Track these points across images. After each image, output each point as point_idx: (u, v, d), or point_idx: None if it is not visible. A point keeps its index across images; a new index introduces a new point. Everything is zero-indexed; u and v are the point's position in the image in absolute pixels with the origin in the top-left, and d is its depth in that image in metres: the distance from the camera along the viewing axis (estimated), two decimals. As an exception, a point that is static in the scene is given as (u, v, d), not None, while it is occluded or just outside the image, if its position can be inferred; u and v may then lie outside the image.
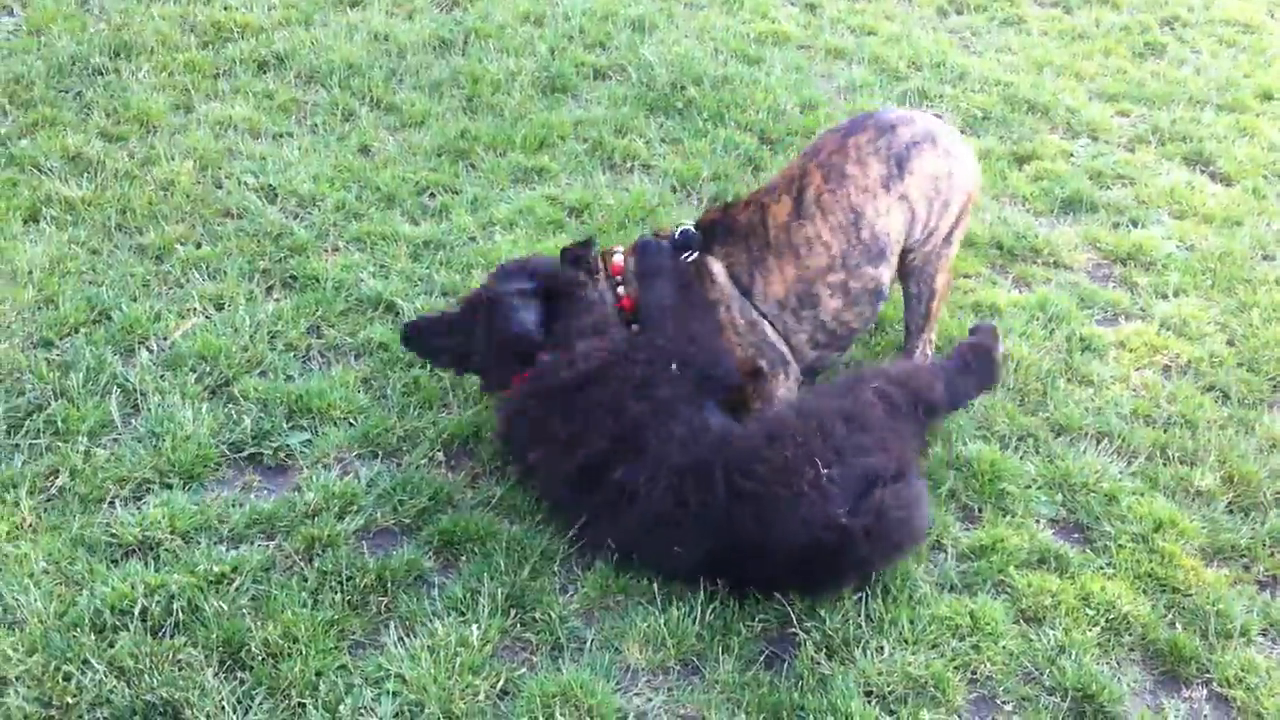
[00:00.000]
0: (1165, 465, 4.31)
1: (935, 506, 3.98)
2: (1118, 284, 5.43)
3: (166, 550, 3.61)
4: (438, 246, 5.21)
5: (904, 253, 4.32)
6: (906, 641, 3.48)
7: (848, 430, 3.55)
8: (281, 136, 5.98)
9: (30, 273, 4.75)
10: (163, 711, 3.12)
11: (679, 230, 4.24)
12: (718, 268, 4.19)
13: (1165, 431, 4.47)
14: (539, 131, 6.15)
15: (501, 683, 3.31)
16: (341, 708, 3.16)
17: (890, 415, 3.66)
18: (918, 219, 4.24)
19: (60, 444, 3.98)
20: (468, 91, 6.51)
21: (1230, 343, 5.03)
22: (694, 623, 3.50)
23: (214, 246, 5.07)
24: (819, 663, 3.41)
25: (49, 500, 3.80)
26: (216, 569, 3.51)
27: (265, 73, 6.56)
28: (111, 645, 3.26)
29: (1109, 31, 8.19)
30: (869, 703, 3.30)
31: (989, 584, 3.75)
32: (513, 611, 3.52)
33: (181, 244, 5.07)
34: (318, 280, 4.89)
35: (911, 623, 3.52)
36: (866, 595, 3.56)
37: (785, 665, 3.44)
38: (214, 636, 3.31)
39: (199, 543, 3.65)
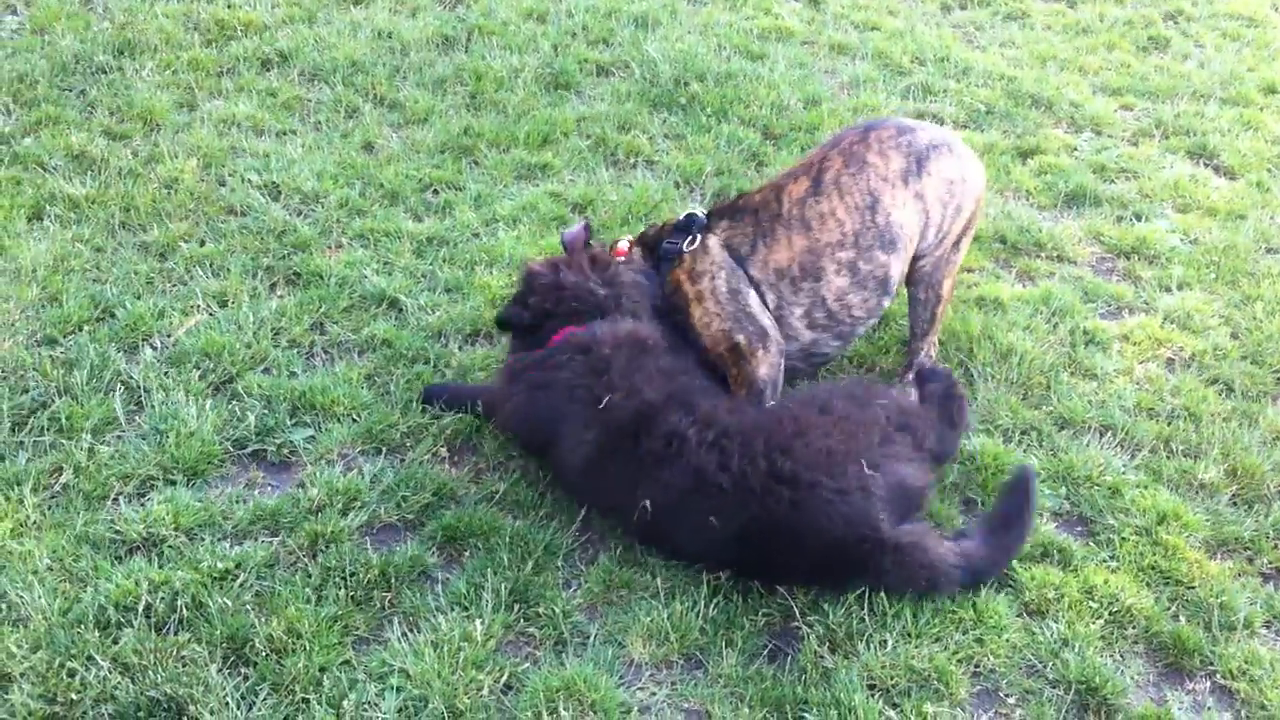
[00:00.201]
0: (1169, 458, 4.30)
1: (938, 500, 3.98)
2: (1121, 277, 5.43)
3: (170, 547, 3.61)
4: (441, 243, 5.21)
5: (915, 258, 4.34)
6: (909, 635, 3.48)
7: (886, 443, 3.65)
8: (285, 134, 5.99)
9: (34, 270, 4.76)
10: (167, 708, 3.13)
11: (684, 215, 4.32)
12: (713, 241, 4.23)
13: (1169, 424, 4.46)
14: (542, 128, 6.15)
15: (505, 678, 3.31)
16: (345, 703, 3.16)
17: (917, 444, 3.76)
18: (931, 222, 4.26)
19: (64, 441, 3.99)
20: (471, 88, 6.52)
21: (1234, 336, 5.02)
22: (697, 617, 3.50)
23: (217, 244, 5.08)
24: (822, 656, 3.42)
25: (53, 497, 3.81)
26: (220, 565, 3.52)
27: (269, 70, 6.57)
28: (116, 642, 3.27)
29: (1112, 25, 8.18)
30: (872, 696, 3.30)
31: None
32: (516, 606, 3.52)
33: (185, 241, 5.08)
34: (321, 277, 4.90)
35: (914, 616, 3.52)
36: (869, 589, 3.54)
37: (788, 659, 3.45)
38: (218, 633, 3.32)
39: (203, 539, 3.66)
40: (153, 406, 4.16)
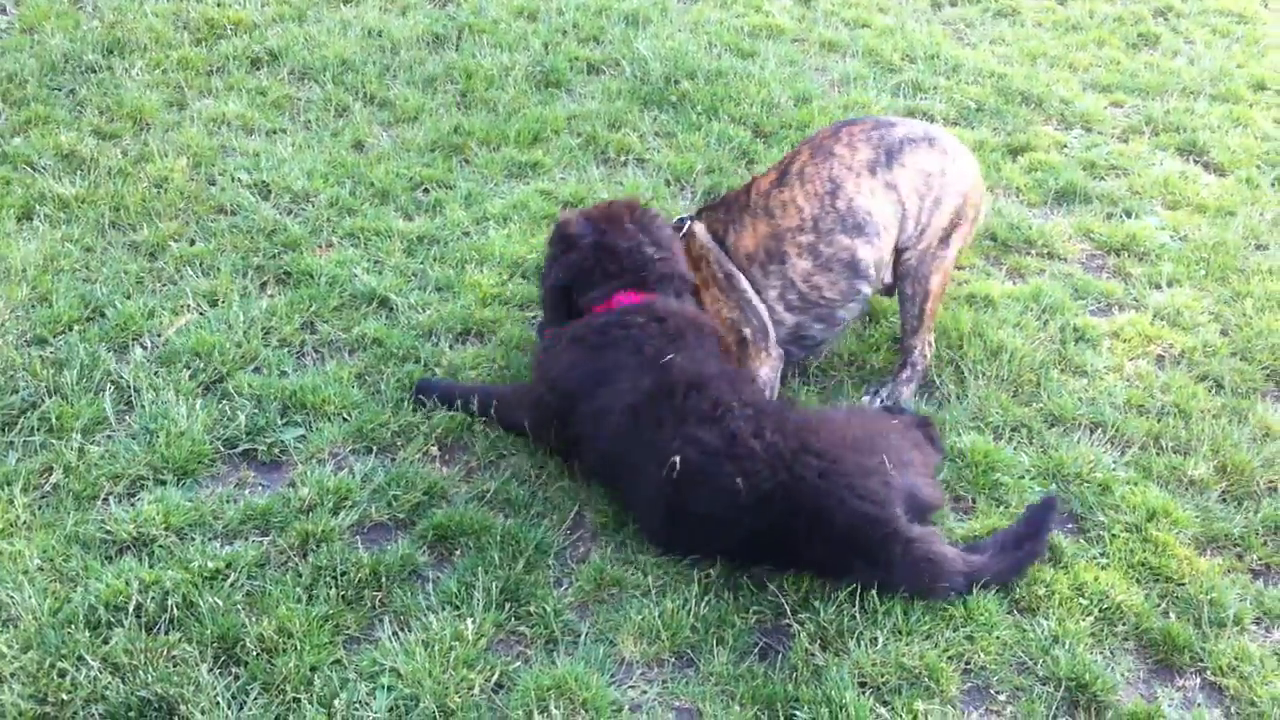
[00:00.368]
0: (1159, 455, 4.31)
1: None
2: (1111, 274, 5.44)
3: (161, 546, 3.61)
4: (431, 242, 5.21)
5: (899, 252, 4.42)
6: (900, 632, 3.48)
7: (903, 453, 3.74)
8: (275, 133, 5.98)
9: (24, 270, 4.75)
10: (157, 708, 3.12)
11: (675, 220, 4.51)
12: (699, 228, 4.46)
13: (1159, 421, 4.47)
14: (533, 126, 6.15)
15: (496, 676, 3.31)
16: (336, 702, 3.16)
17: (927, 465, 3.89)
18: (909, 214, 4.36)
19: (54, 441, 3.99)
20: (461, 87, 6.51)
21: (1224, 332, 5.03)
22: (688, 615, 3.51)
23: (208, 243, 5.07)
24: (813, 654, 3.42)
25: (43, 497, 3.80)
26: (211, 565, 3.52)
27: (258, 69, 6.56)
28: (106, 642, 3.26)
29: (1102, 22, 8.19)
30: (863, 694, 3.31)
31: (983, 575, 3.76)
32: (507, 605, 3.52)
33: (175, 241, 5.08)
34: (311, 276, 4.89)
35: (905, 614, 3.52)
36: (860, 587, 3.55)
37: (780, 657, 3.45)
38: (209, 632, 3.32)
39: (193, 539, 3.65)
40: (143, 406, 4.15)
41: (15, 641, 3.26)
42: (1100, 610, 3.66)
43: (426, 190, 5.63)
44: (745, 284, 4.35)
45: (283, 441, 4.10)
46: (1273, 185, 6.21)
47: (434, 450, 4.12)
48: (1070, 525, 4.03)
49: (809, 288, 4.37)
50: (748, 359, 4.32)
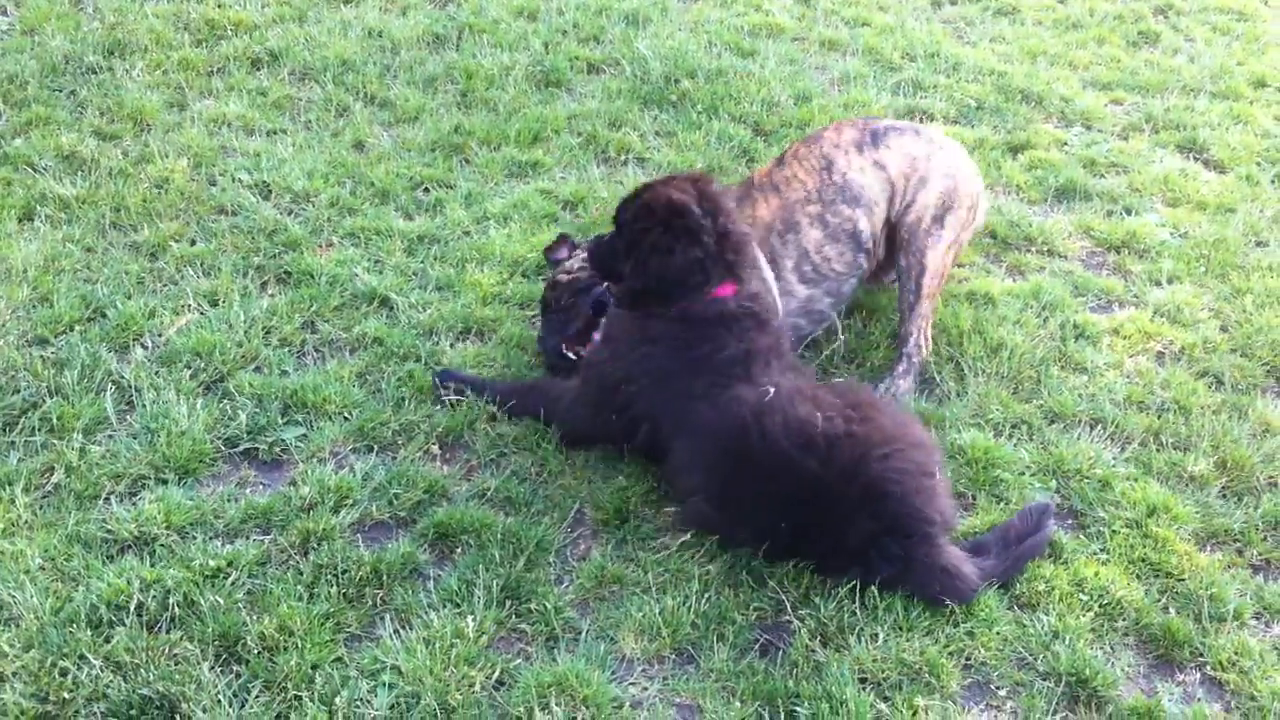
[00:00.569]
0: (1159, 451, 4.32)
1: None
2: (1111, 271, 5.44)
3: (162, 545, 3.61)
4: (432, 241, 5.22)
5: (892, 228, 4.65)
6: (901, 628, 3.49)
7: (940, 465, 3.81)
8: (275, 133, 5.98)
9: (25, 271, 4.76)
10: (159, 706, 3.13)
11: None
12: None
13: (1159, 417, 4.47)
14: (533, 126, 6.16)
15: (497, 674, 3.32)
16: (338, 700, 3.17)
17: (946, 483, 3.90)
18: (896, 190, 4.67)
19: (55, 441, 3.99)
20: (462, 86, 6.52)
21: (1223, 329, 5.03)
22: (689, 612, 3.51)
23: (208, 243, 5.08)
24: (814, 650, 3.42)
25: (45, 497, 3.81)
26: (212, 564, 3.52)
27: (259, 70, 6.57)
28: (108, 640, 3.27)
29: (1102, 20, 8.19)
30: (864, 689, 3.31)
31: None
32: (508, 603, 3.53)
33: (176, 241, 5.08)
34: (312, 276, 4.90)
35: (906, 609, 3.53)
36: (860, 583, 3.55)
37: (780, 653, 3.45)
38: (210, 631, 3.32)
39: (194, 538, 3.66)
40: (144, 406, 4.15)
41: (17, 640, 3.26)
42: (1100, 606, 3.66)
43: (427, 190, 5.63)
44: (760, 259, 4.43)
45: (283, 440, 4.10)
46: (1273, 182, 6.21)
47: (434, 449, 4.13)
48: (1070, 521, 4.04)
49: (821, 259, 4.59)
50: None
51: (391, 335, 4.58)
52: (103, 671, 3.17)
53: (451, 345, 4.60)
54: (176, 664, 3.22)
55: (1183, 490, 4.16)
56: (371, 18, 7.16)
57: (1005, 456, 4.19)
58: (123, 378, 4.28)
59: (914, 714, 3.27)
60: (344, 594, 3.51)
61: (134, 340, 4.49)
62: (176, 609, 3.37)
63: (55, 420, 4.06)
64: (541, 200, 5.54)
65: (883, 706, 3.28)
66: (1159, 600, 3.72)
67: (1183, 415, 4.49)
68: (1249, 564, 3.93)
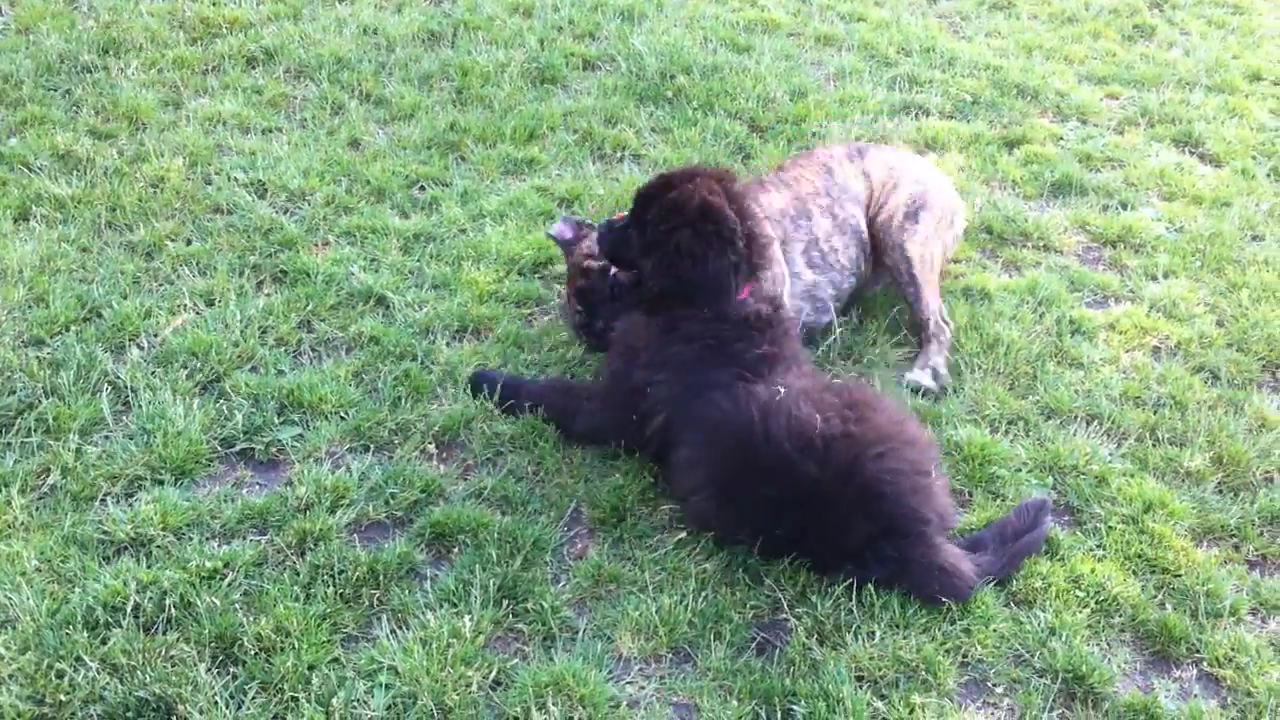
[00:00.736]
0: (1155, 446, 4.32)
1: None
2: (1107, 266, 5.44)
3: (158, 546, 3.61)
4: (428, 239, 5.21)
5: (873, 230, 4.91)
6: (897, 626, 3.49)
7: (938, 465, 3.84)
8: (271, 131, 5.98)
9: (21, 271, 4.76)
10: (155, 708, 3.13)
11: None
12: None
13: (1155, 413, 4.48)
14: (529, 123, 6.15)
15: (494, 673, 3.32)
16: (334, 701, 3.17)
17: (944, 483, 3.91)
18: (875, 195, 4.97)
19: (51, 442, 3.99)
20: (457, 84, 6.51)
21: (1219, 323, 5.04)
22: (686, 610, 3.51)
23: (204, 243, 5.08)
24: (810, 648, 3.43)
25: (41, 498, 3.81)
26: (208, 565, 3.52)
27: (254, 68, 6.56)
28: (104, 642, 3.26)
29: (1098, 14, 8.19)
30: (860, 687, 3.32)
31: (980, 568, 3.76)
32: (505, 602, 3.53)
33: (171, 240, 5.08)
34: (308, 275, 4.89)
35: (902, 607, 3.53)
36: (857, 580, 3.56)
37: (777, 651, 3.45)
38: (206, 632, 3.32)
39: (191, 539, 3.66)
40: (140, 406, 4.15)
41: (13, 643, 3.26)
42: (1097, 602, 3.66)
43: (423, 188, 5.63)
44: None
45: (280, 440, 4.10)
46: (1268, 176, 6.22)
47: (431, 448, 4.13)
48: (1066, 517, 4.04)
49: (829, 248, 4.78)
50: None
51: (388, 334, 4.58)
52: (99, 673, 3.17)
53: (448, 344, 4.59)
54: (173, 665, 3.23)
55: (1179, 486, 4.16)
56: (366, 15, 7.14)
57: (1001, 452, 4.20)
58: (119, 378, 4.28)
59: (911, 711, 3.27)
60: (341, 594, 3.51)
61: (130, 340, 4.48)
62: (173, 610, 3.37)
63: (51, 421, 4.06)
64: (537, 197, 5.54)
65: (879, 704, 3.28)
66: (1155, 596, 3.72)
67: (1179, 410, 4.49)
68: (1245, 559, 3.93)
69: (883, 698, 3.31)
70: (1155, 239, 5.58)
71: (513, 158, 5.88)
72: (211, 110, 6.07)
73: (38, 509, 3.76)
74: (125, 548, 3.63)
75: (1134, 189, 6.02)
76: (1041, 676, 3.43)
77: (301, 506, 3.81)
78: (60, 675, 3.17)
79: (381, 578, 3.57)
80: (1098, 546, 3.88)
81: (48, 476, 3.87)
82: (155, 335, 4.52)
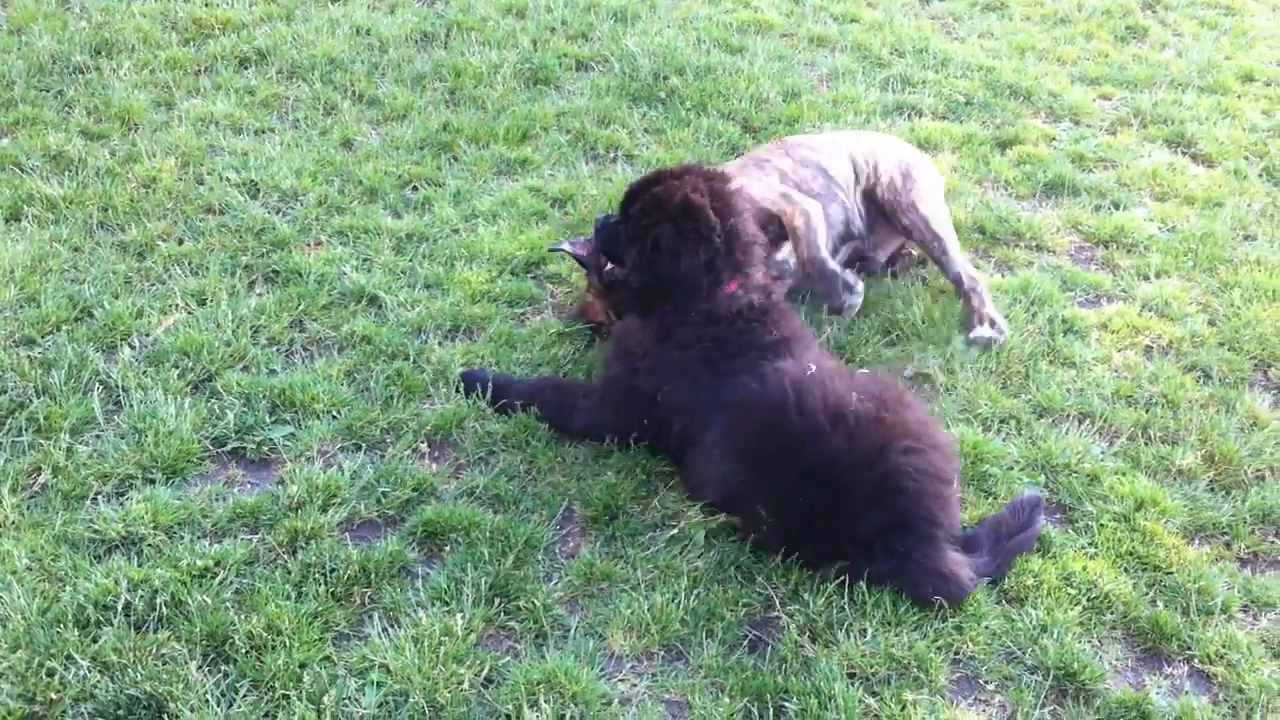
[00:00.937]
0: (1147, 445, 4.33)
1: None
2: (1100, 266, 5.45)
3: (150, 545, 3.61)
4: (420, 239, 5.21)
5: (877, 205, 5.12)
6: (889, 623, 3.49)
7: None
8: (263, 132, 5.97)
9: (12, 271, 4.75)
10: (146, 706, 3.12)
11: None
12: None
13: (1147, 412, 4.48)
14: (521, 123, 6.15)
15: (486, 671, 3.32)
16: (326, 699, 3.16)
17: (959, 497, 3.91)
18: (860, 172, 5.17)
19: (43, 441, 3.98)
20: (450, 84, 6.51)
21: (1211, 323, 5.04)
22: (678, 608, 3.51)
23: (196, 242, 5.07)
24: (802, 646, 3.43)
25: (32, 497, 3.80)
26: (200, 563, 3.52)
27: (247, 68, 6.56)
28: (95, 640, 3.26)
29: (1090, 15, 8.20)
30: (852, 684, 3.32)
31: (972, 565, 3.76)
32: (496, 600, 3.52)
33: (163, 240, 5.07)
34: (300, 274, 4.89)
35: (894, 604, 3.53)
36: (849, 578, 3.56)
37: (769, 649, 3.46)
38: (197, 630, 3.32)
39: (182, 537, 3.65)
40: (131, 405, 4.15)
41: (4, 641, 3.26)
42: (1088, 599, 3.67)
43: (415, 188, 5.63)
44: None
45: (271, 439, 4.09)
46: (1260, 176, 6.23)
47: (423, 447, 4.13)
48: (1058, 515, 4.04)
49: (798, 180, 5.00)
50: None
51: (380, 333, 4.58)
52: (90, 672, 3.17)
53: (440, 343, 4.59)
54: (164, 664, 3.22)
55: (1171, 484, 4.17)
56: (359, 15, 7.14)
57: (994, 451, 4.20)
58: (110, 377, 4.27)
59: (902, 708, 3.27)
60: (332, 593, 3.51)
61: (121, 340, 4.47)
62: (164, 609, 3.37)
63: (42, 420, 4.05)
64: (530, 198, 5.54)
65: (871, 701, 3.28)
66: (1147, 594, 3.73)
67: (1171, 409, 4.50)
68: (1236, 557, 3.94)
69: (874, 695, 3.31)
70: (1147, 239, 5.58)
71: (505, 158, 5.88)
72: (204, 111, 6.06)
73: (29, 508, 3.75)
74: (116, 546, 3.63)
75: (1126, 189, 6.02)
76: (1033, 673, 3.43)
77: (293, 505, 3.81)
78: (51, 673, 3.17)
79: (373, 576, 3.57)
80: (1089, 544, 3.89)
81: (39, 475, 3.87)
82: (147, 335, 4.51)
